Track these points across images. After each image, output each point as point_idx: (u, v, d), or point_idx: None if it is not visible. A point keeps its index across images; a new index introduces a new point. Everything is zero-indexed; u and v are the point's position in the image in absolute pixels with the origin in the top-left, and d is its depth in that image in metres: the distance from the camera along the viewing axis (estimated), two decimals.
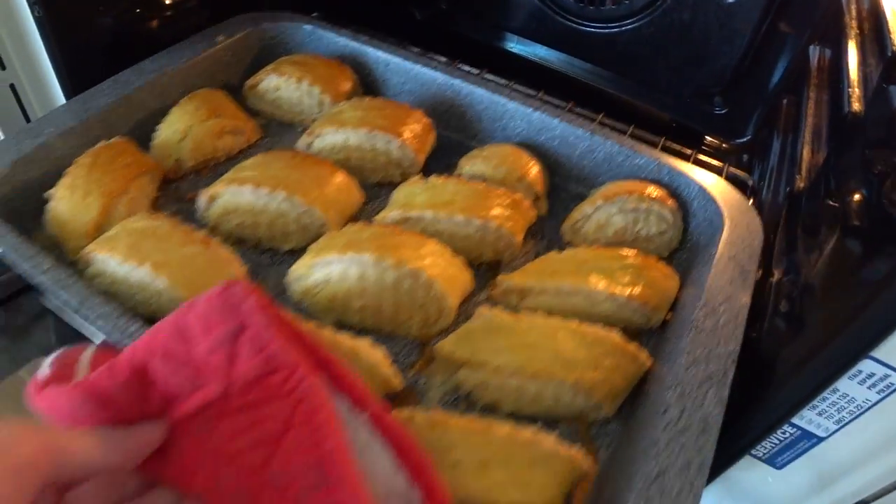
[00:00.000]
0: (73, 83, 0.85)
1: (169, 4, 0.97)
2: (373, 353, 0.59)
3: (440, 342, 0.65)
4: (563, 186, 0.86)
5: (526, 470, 0.53)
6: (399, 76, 0.93)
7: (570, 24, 1.06)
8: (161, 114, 0.86)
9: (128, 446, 0.40)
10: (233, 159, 0.86)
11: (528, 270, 0.71)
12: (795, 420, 0.57)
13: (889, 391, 0.51)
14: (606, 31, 1.04)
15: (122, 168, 0.74)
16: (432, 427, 0.55)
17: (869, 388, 0.52)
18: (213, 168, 0.86)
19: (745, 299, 0.65)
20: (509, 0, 1.09)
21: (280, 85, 0.89)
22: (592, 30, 1.05)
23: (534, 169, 0.81)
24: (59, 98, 0.87)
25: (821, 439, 0.58)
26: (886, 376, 0.50)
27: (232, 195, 0.72)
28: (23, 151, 0.74)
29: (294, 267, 0.68)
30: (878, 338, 0.48)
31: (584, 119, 0.85)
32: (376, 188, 0.84)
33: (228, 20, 0.95)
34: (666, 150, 0.94)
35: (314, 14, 1.12)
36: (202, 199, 0.74)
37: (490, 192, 0.74)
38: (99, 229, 0.71)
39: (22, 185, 0.74)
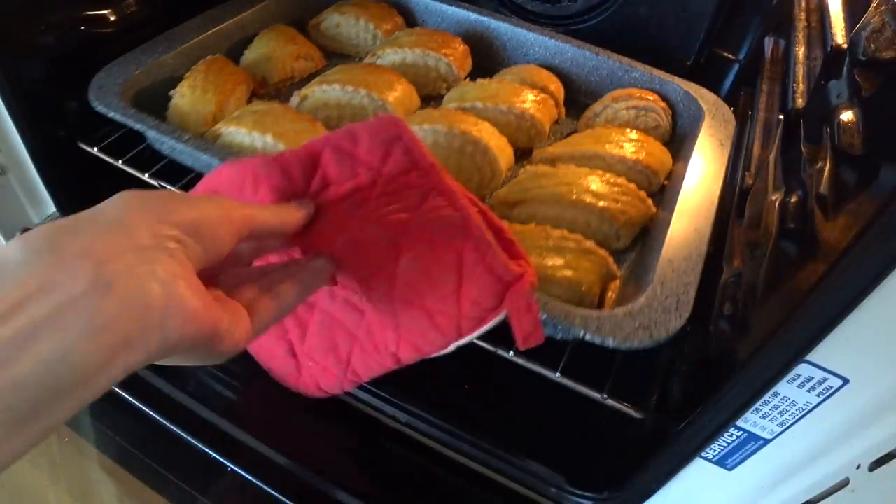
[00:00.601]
0: (23, 109, 0.90)
1: (118, 31, 1.00)
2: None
3: (497, 191, 0.86)
4: (576, 98, 1.07)
5: (575, 257, 0.73)
6: (436, 16, 1.14)
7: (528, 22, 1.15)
8: (243, 44, 1.06)
9: (291, 216, 0.49)
10: (305, 80, 1.06)
11: (556, 144, 0.92)
12: (740, 423, 0.57)
13: (828, 394, 0.50)
14: (564, 29, 1.15)
15: (229, 75, 0.93)
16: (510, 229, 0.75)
17: (808, 391, 0.51)
18: (289, 87, 1.05)
19: (723, 160, 0.87)
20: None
21: (341, 22, 1.10)
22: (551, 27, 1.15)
23: (553, 82, 1.03)
24: (10, 124, 0.91)
25: (767, 441, 0.58)
26: (825, 380, 0.49)
27: (322, 92, 0.92)
28: (143, 64, 0.94)
29: None
30: (812, 342, 0.46)
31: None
32: (426, 98, 1.04)
33: None
34: None
35: None
36: (295, 98, 0.94)
37: (524, 90, 0.95)
38: (215, 120, 0.90)
39: (144, 89, 0.93)
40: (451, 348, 0.57)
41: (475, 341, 0.73)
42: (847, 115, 0.48)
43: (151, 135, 0.86)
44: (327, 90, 0.91)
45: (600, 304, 0.77)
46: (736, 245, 0.73)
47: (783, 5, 0.97)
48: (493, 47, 1.11)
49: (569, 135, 1.02)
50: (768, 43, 0.98)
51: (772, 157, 0.70)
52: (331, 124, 0.93)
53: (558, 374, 0.72)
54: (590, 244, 0.75)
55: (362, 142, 0.56)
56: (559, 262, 0.72)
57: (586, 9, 1.16)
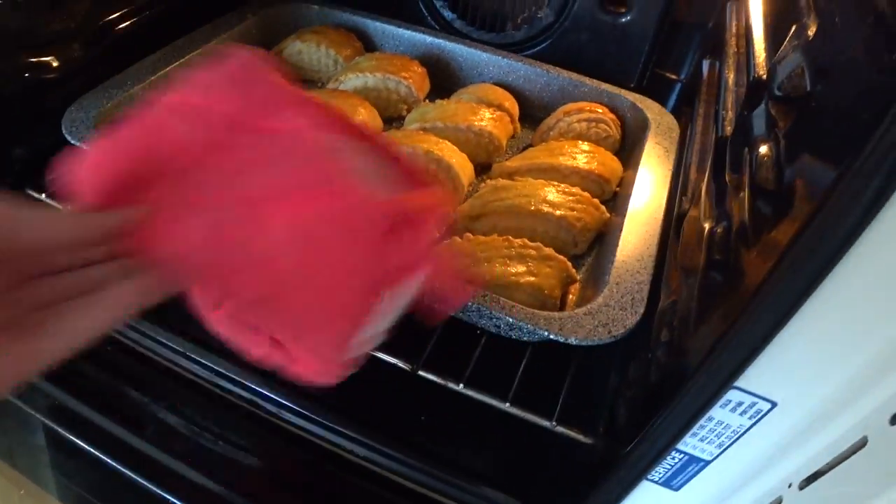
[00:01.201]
0: None
1: (63, 75, 1.00)
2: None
3: (459, 206, 0.92)
4: (530, 114, 1.14)
5: (536, 263, 0.79)
6: (393, 40, 1.20)
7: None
8: None
9: (99, 223, 0.41)
10: None
11: (514, 158, 0.99)
12: (681, 446, 0.58)
13: (759, 417, 0.52)
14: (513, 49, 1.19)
15: None
16: (470, 241, 0.81)
17: (740, 415, 0.53)
18: None
19: (669, 166, 0.95)
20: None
21: (302, 49, 1.15)
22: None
23: (508, 99, 1.09)
24: None
25: (707, 462, 0.60)
26: (754, 403, 0.52)
27: None
28: (113, 97, 0.98)
29: None
30: (739, 369, 0.49)
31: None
32: (388, 120, 1.10)
33: (252, 2, 1.21)
34: None
35: None
36: None
37: (481, 108, 1.01)
38: None
39: (112, 120, 0.97)
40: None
41: (425, 374, 0.78)
42: (764, 149, 0.54)
43: None
44: None
45: (562, 307, 0.83)
46: (672, 270, 0.77)
47: (718, 29, 1.05)
48: (450, 68, 1.18)
49: (525, 149, 1.09)
50: (706, 64, 1.05)
51: (703, 185, 0.76)
52: None
53: (508, 405, 0.76)
54: (549, 251, 0.81)
55: (214, 90, 0.47)
56: (522, 268, 0.78)
57: (528, 37, 1.22)
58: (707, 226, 0.65)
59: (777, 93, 0.59)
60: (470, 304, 0.73)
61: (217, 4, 1.18)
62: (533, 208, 0.86)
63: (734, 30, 0.94)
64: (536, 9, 1.19)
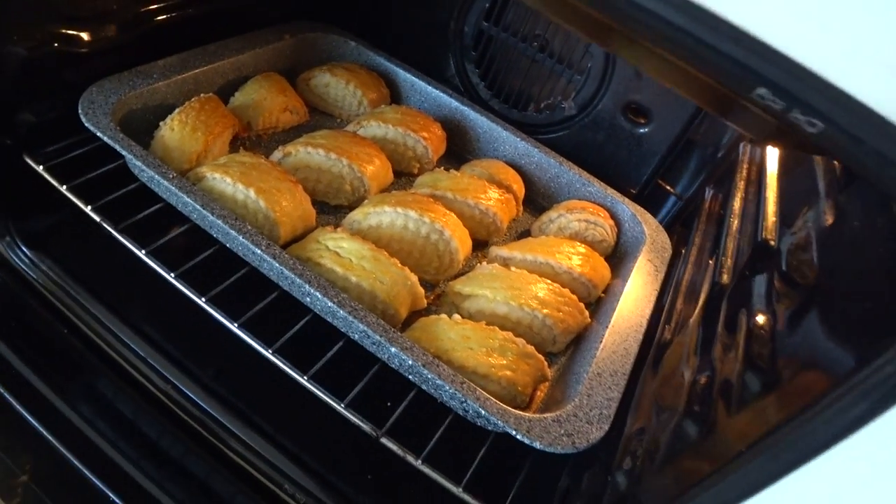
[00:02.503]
0: None
1: (90, 52, 1.02)
2: (414, 279, 0.89)
3: (452, 282, 0.96)
4: (533, 199, 1.21)
5: (516, 359, 0.84)
6: (420, 95, 1.26)
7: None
8: (234, 84, 1.14)
9: None
10: (286, 132, 1.15)
11: (512, 245, 1.04)
12: None
13: None
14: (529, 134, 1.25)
15: (220, 117, 1.01)
16: (455, 324, 0.86)
17: None
18: (271, 135, 1.14)
19: (656, 286, 1.02)
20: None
21: (330, 83, 1.19)
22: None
23: (517, 181, 1.16)
24: None
25: None
26: None
27: (307, 153, 1.00)
28: (136, 86, 1.00)
29: (352, 213, 0.97)
30: None
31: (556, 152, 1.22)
32: (397, 174, 1.14)
33: (291, 23, 1.25)
34: None
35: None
36: (279, 152, 1.02)
37: (491, 187, 1.07)
38: (198, 159, 0.97)
39: (131, 112, 0.99)
40: None
41: (387, 442, 0.81)
42: (761, 319, 0.61)
43: (136, 164, 0.92)
44: (311, 153, 1.00)
45: (529, 403, 0.88)
46: (643, 398, 0.83)
47: (726, 162, 1.14)
48: (468, 136, 1.24)
49: (522, 234, 1.15)
50: (708, 192, 1.14)
51: (692, 323, 0.82)
52: (307, 185, 1.01)
53: (461, 489, 0.80)
54: (530, 349, 0.86)
55: None
56: (502, 361, 0.83)
57: (547, 123, 1.30)
58: (688, 373, 0.71)
59: (784, 268, 0.66)
60: (447, 386, 0.78)
61: (258, 18, 1.22)
62: (522, 301, 0.91)
63: (745, 173, 1.02)
64: (562, 99, 1.26)
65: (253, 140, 1.11)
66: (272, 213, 0.90)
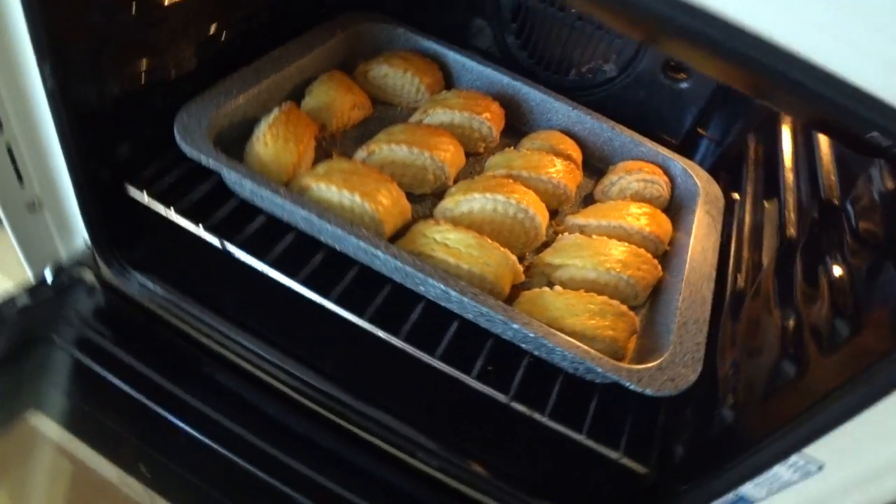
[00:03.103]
0: (78, 151, 0.96)
1: (174, 78, 1.11)
2: (513, 258, 1.02)
3: (541, 254, 1.09)
4: (589, 162, 1.32)
5: (614, 319, 0.98)
6: (472, 74, 1.35)
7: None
8: (300, 87, 1.23)
9: None
10: (356, 127, 1.25)
11: (584, 212, 1.17)
12: (740, 489, 0.78)
13: (806, 475, 0.72)
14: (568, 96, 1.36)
15: (305, 125, 1.11)
16: (558, 295, 0.99)
17: (793, 471, 0.73)
18: (344, 133, 1.24)
19: (717, 236, 1.15)
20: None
21: (389, 73, 1.28)
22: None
23: (575, 149, 1.27)
24: (57, 161, 0.98)
25: (754, 502, 0.80)
26: (806, 464, 0.71)
27: (390, 150, 1.11)
28: (221, 105, 1.09)
29: (443, 202, 1.09)
30: (806, 441, 0.67)
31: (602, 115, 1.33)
32: (466, 155, 1.25)
33: (338, 18, 1.33)
34: None
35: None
36: (363, 152, 1.13)
37: (557, 160, 1.19)
38: (294, 169, 1.07)
39: (221, 132, 1.09)
40: None
41: (517, 405, 0.96)
42: (839, 272, 0.75)
43: (242, 183, 1.02)
44: (395, 149, 1.11)
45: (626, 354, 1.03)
46: (727, 344, 0.97)
47: (766, 110, 1.26)
48: (521, 109, 1.34)
49: (585, 198, 1.27)
50: (751, 139, 1.26)
51: (767, 274, 0.95)
52: (394, 179, 1.12)
53: (584, 436, 0.96)
54: (624, 308, 1.00)
55: None
56: (604, 322, 0.97)
57: (591, 85, 1.40)
58: (775, 320, 0.85)
59: (854, 226, 0.79)
60: (566, 351, 0.92)
61: (307, 19, 1.30)
62: (608, 266, 1.05)
63: (790, 122, 1.14)
64: (602, 62, 1.36)
65: (328, 140, 1.21)
66: (377, 213, 1.01)
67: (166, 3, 1.02)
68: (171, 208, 1.06)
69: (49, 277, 1.15)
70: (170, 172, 1.12)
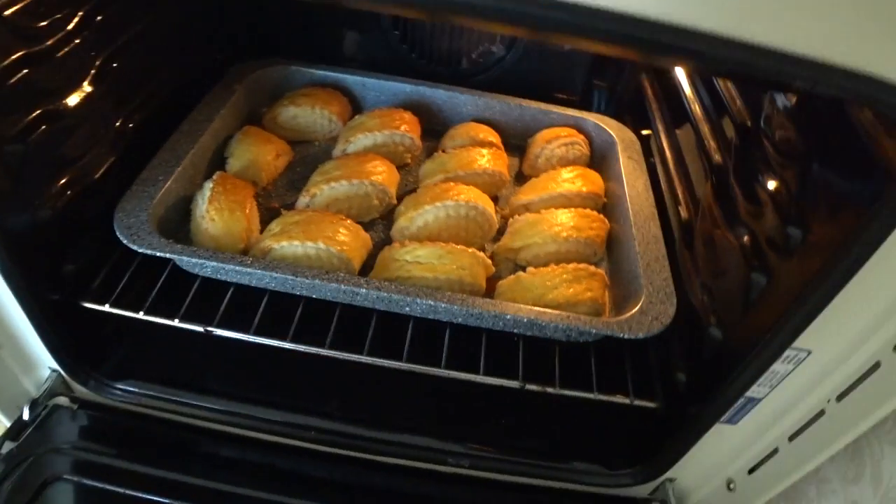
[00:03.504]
0: (25, 283, 0.96)
1: (97, 181, 1.08)
2: (481, 254, 1.09)
3: (499, 243, 1.17)
4: (507, 142, 1.40)
5: (588, 281, 1.07)
6: (375, 91, 1.40)
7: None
8: (219, 152, 1.24)
9: None
10: (283, 175, 1.28)
11: (524, 191, 1.25)
12: (746, 393, 0.89)
13: (798, 363, 0.84)
14: (465, 83, 1.44)
15: (242, 189, 1.12)
16: (533, 275, 1.07)
17: (787, 363, 0.84)
18: (274, 182, 1.26)
19: (645, 177, 1.26)
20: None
21: (297, 113, 1.31)
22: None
23: (493, 134, 1.35)
24: (5, 299, 0.97)
25: (760, 399, 0.91)
26: (797, 354, 0.82)
27: (331, 189, 1.15)
28: (154, 196, 1.09)
29: (398, 223, 1.14)
30: (795, 335, 0.78)
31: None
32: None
33: (231, 69, 1.34)
34: None
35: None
36: (304, 198, 1.16)
37: (483, 150, 1.26)
38: (248, 234, 1.09)
39: (161, 218, 1.09)
40: None
41: (530, 386, 1.03)
42: (773, 185, 0.86)
43: (202, 263, 1.04)
44: (335, 187, 1.15)
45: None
46: (691, 272, 1.07)
47: None
48: (431, 110, 1.40)
49: (516, 175, 1.36)
50: (644, 79, 1.37)
51: (707, 200, 1.05)
52: (343, 214, 1.16)
53: (596, 394, 1.05)
54: (593, 268, 1.09)
55: None
56: (581, 287, 1.06)
57: (486, 68, 1.48)
58: (732, 239, 0.96)
59: (775, 141, 0.90)
60: (559, 325, 1.00)
61: (200, 81, 1.30)
62: (566, 235, 1.13)
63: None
64: (489, 44, 1.44)
65: (264, 195, 1.23)
66: (344, 253, 1.05)
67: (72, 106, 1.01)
68: (141, 312, 1.06)
69: (27, 415, 1.12)
70: (121, 274, 1.11)
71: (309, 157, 1.33)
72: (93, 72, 1.05)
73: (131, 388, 1.14)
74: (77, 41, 1.01)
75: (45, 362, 1.11)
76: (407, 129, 1.29)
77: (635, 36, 0.58)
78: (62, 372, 1.12)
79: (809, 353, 0.85)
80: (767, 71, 0.59)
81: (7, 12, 0.88)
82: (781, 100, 0.90)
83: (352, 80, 1.40)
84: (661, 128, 1.29)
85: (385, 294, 0.99)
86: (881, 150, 0.68)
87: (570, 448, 1.14)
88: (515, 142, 1.41)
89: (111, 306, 1.07)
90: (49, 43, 0.96)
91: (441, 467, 1.13)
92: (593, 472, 1.13)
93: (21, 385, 1.13)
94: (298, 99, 1.31)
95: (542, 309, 1.01)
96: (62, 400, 1.16)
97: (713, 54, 0.58)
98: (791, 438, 0.95)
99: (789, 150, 0.87)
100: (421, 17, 1.33)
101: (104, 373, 1.14)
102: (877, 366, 0.82)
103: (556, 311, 1.01)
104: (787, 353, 0.84)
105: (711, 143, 1.08)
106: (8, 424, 1.12)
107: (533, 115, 1.39)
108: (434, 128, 1.40)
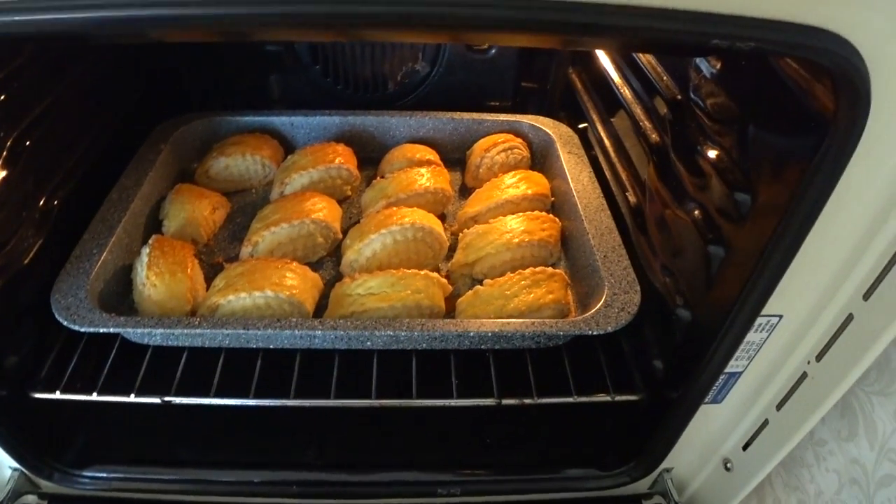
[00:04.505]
0: None
1: (27, 265, 1.01)
2: (435, 275, 1.04)
3: (452, 260, 1.13)
4: (447, 157, 1.36)
5: (548, 283, 1.03)
6: (303, 129, 1.35)
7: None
8: (152, 215, 1.18)
9: None
10: (223, 227, 1.22)
11: (470, 204, 1.21)
12: (726, 369, 0.88)
13: (772, 329, 0.83)
14: (395, 107, 1.44)
15: (181, 249, 1.07)
16: (491, 287, 1.03)
17: (761, 331, 0.83)
18: (215, 237, 1.20)
19: (588, 169, 1.24)
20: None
21: (228, 163, 1.26)
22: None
23: (430, 151, 1.31)
24: None
25: (741, 373, 0.90)
26: (769, 321, 0.82)
27: (272, 234, 1.10)
28: (90, 271, 1.03)
29: (346, 257, 1.10)
30: (762, 302, 0.77)
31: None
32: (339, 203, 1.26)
33: (158, 127, 1.29)
34: None
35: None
36: (247, 248, 1.11)
37: (420, 171, 1.22)
38: (193, 294, 1.04)
39: (100, 292, 1.03)
40: None
41: (507, 401, 0.99)
42: (714, 154, 0.84)
43: (150, 332, 0.98)
44: (276, 231, 1.10)
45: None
46: (649, 256, 1.05)
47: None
48: (364, 139, 1.36)
49: (460, 189, 1.32)
50: (572, 73, 1.36)
51: (651, 181, 1.03)
52: (290, 257, 1.11)
53: (575, 397, 1.00)
54: (551, 270, 1.06)
55: None
56: (541, 290, 1.02)
57: (414, 87, 1.45)
58: (682, 216, 0.93)
59: (707, 110, 0.88)
60: (527, 332, 0.96)
61: (124, 145, 1.24)
62: (517, 241, 1.10)
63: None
64: (412, 63, 1.41)
65: (205, 252, 1.18)
66: (294, 297, 1.00)
67: None
68: (94, 393, 0.99)
69: None
70: (69, 357, 1.05)
71: (247, 205, 1.28)
72: (4, 153, 0.99)
73: (99, 474, 1.07)
74: None
75: (4, 462, 1.04)
76: (342, 161, 1.24)
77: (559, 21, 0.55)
78: (23, 470, 1.06)
79: (780, 317, 0.83)
80: (689, 34, 0.57)
81: None
82: (706, 67, 0.88)
83: (279, 121, 1.35)
84: (595, 118, 1.27)
85: (342, 332, 0.95)
86: (813, 99, 0.66)
87: (561, 456, 1.10)
88: (454, 156, 1.38)
89: (62, 392, 1.01)
90: None
91: (433, 500, 1.08)
92: (589, 476, 1.09)
93: None
94: (228, 148, 1.26)
95: (505, 320, 0.97)
96: (30, 499, 1.09)
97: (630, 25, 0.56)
98: (779, 407, 0.93)
99: (723, 115, 0.85)
100: (339, 39, 1.30)
101: (67, 463, 1.07)
102: (850, 318, 0.80)
103: (521, 320, 0.97)
104: (758, 321, 0.82)
105: (647, 124, 1.06)
106: None
107: (467, 127, 1.36)
108: (370, 155, 1.36)
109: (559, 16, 0.56)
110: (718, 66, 0.86)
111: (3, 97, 1.00)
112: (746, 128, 0.80)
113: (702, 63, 0.88)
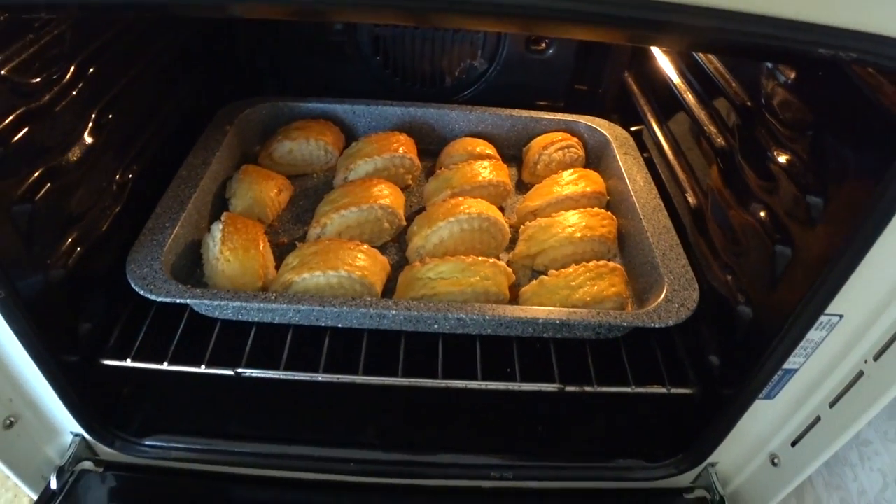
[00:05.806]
0: (45, 346, 0.93)
1: (103, 234, 1.06)
2: (502, 264, 1.10)
3: (515, 251, 1.18)
4: (504, 153, 1.42)
5: (610, 277, 1.09)
6: (365, 117, 1.41)
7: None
8: (220, 193, 1.24)
9: None
10: (287, 209, 1.28)
11: (529, 198, 1.27)
12: (784, 365, 0.91)
13: (832, 328, 0.86)
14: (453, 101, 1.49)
15: (252, 227, 1.12)
16: (556, 278, 1.08)
17: (821, 330, 0.86)
18: (279, 218, 1.26)
19: (644, 170, 1.29)
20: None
21: (292, 147, 1.31)
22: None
23: (489, 146, 1.37)
24: (25, 366, 0.97)
25: (796, 370, 0.93)
26: (829, 320, 0.84)
27: (341, 217, 1.15)
28: (164, 243, 1.08)
29: (413, 243, 1.15)
30: (828, 300, 0.80)
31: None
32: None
33: (223, 109, 1.34)
34: None
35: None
36: (315, 229, 1.16)
37: (483, 164, 1.27)
38: (264, 270, 1.09)
39: (173, 264, 1.08)
40: None
41: (570, 389, 1.04)
42: (784, 159, 0.89)
43: (224, 305, 1.03)
44: (346, 214, 1.15)
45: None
46: (708, 256, 1.10)
47: (629, 49, 1.41)
48: (424, 130, 1.42)
49: (517, 184, 1.38)
50: (628, 76, 1.41)
51: (715, 183, 1.08)
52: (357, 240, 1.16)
53: (633, 387, 1.06)
54: (612, 264, 1.11)
55: None
56: (604, 283, 1.07)
57: (470, 83, 1.51)
58: (748, 218, 0.98)
59: (780, 117, 0.93)
60: (591, 322, 1.01)
61: (190, 127, 1.29)
62: (580, 235, 1.15)
63: (653, 52, 1.30)
64: (471, 60, 1.46)
65: (270, 232, 1.23)
66: (365, 278, 1.05)
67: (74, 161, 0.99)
68: (165, 362, 1.04)
69: (54, 484, 1.09)
70: (138, 327, 1.10)
71: (309, 189, 1.33)
72: (90, 125, 1.04)
73: (159, 443, 1.12)
74: (73, 94, 1.00)
75: (67, 427, 1.09)
76: (405, 150, 1.30)
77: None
78: (85, 435, 1.10)
79: (841, 317, 0.88)
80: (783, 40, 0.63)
81: (4, 70, 0.86)
82: (780, 75, 0.94)
83: (341, 109, 1.41)
84: (652, 121, 1.32)
85: (415, 313, 1.00)
86: (891, 106, 0.71)
87: (611, 446, 1.15)
88: (510, 151, 1.44)
89: (133, 360, 1.05)
90: (46, 98, 0.95)
91: (484, 482, 1.13)
92: (636, 466, 1.14)
93: (45, 454, 1.10)
94: (292, 133, 1.32)
95: (571, 309, 1.02)
96: (87, 464, 1.13)
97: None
98: (832, 404, 0.98)
99: (797, 123, 0.90)
100: (410, 23, 1.34)
101: (130, 431, 1.12)
102: None
103: (586, 310, 1.02)
104: (820, 319, 0.86)
105: (711, 128, 1.11)
106: (35, 497, 1.08)
107: (524, 124, 1.42)
108: (428, 147, 1.42)
109: (680, 17, 0.61)
110: (793, 76, 0.92)
111: (92, 70, 1.06)
112: (821, 135, 0.85)
113: (777, 72, 0.94)
